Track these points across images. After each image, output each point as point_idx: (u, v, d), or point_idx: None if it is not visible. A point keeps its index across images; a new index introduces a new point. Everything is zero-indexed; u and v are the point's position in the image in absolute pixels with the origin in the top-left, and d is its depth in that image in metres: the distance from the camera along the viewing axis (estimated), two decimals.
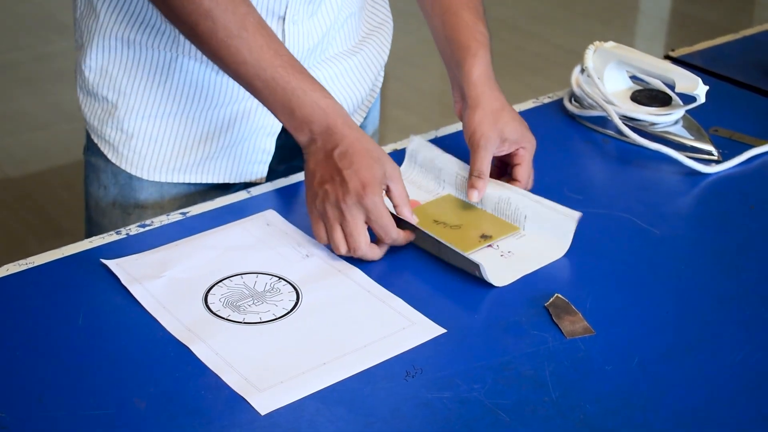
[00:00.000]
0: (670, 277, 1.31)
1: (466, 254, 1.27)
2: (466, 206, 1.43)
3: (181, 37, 1.42)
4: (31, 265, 1.30)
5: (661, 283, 1.30)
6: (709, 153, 1.56)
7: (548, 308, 1.23)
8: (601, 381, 1.13)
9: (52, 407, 1.08)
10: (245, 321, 1.20)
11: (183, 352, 1.15)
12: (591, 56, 1.64)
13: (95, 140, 1.54)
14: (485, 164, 1.40)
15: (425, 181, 1.48)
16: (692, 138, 1.57)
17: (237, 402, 1.09)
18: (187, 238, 1.34)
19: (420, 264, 1.29)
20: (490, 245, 1.34)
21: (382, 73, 1.68)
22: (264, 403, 1.09)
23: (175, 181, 1.53)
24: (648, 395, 1.11)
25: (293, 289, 1.25)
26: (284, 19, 1.45)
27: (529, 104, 1.72)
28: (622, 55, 1.62)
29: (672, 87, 1.60)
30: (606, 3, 5.04)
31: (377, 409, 1.09)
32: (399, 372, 1.14)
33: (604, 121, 1.62)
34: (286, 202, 1.43)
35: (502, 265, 1.30)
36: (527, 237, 1.36)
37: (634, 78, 1.67)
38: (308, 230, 1.35)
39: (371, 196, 1.26)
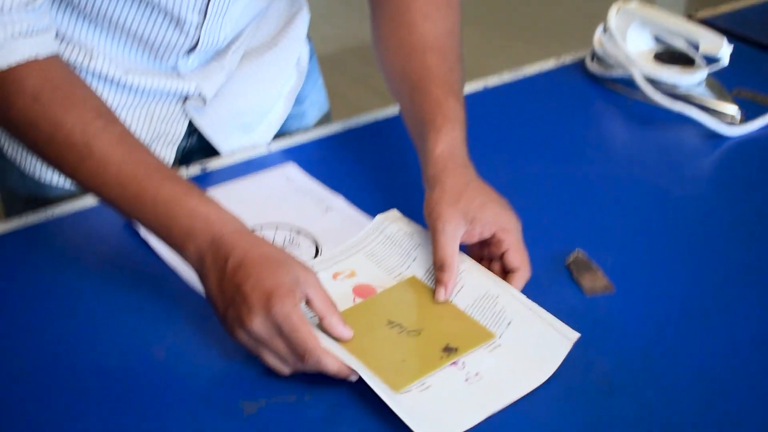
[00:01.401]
0: (691, 238, 1.30)
1: (396, 404, 1.00)
2: (433, 297, 1.14)
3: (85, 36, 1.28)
4: (51, 217, 1.30)
5: (681, 243, 1.29)
6: (732, 115, 1.54)
7: (569, 266, 1.22)
8: (620, 339, 1.12)
9: (71, 356, 1.09)
10: None
11: (201, 303, 1.15)
12: (614, 16, 1.63)
13: None
14: (448, 252, 1.13)
15: (388, 255, 1.20)
16: (715, 100, 1.56)
17: None
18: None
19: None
20: (455, 362, 1.07)
21: (306, 57, 1.54)
22: None
23: (72, 188, 1.39)
24: (667, 354, 1.11)
25: (313, 243, 1.25)
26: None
27: (550, 64, 1.71)
28: (645, 15, 1.61)
29: (696, 48, 1.58)
30: None
31: None
32: None
33: (626, 81, 1.61)
34: (306, 157, 1.43)
35: (464, 396, 1.03)
36: (502, 350, 1.08)
37: (656, 40, 1.66)
38: (329, 183, 1.35)
39: (280, 306, 1.01)
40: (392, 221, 1.24)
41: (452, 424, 1.00)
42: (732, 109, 1.54)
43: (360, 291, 1.16)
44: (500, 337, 1.09)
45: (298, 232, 1.27)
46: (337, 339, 1.06)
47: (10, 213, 1.43)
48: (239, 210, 1.29)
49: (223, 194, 1.33)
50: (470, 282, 1.15)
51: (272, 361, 1.04)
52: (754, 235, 1.31)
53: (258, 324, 1.01)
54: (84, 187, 1.13)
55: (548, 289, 1.19)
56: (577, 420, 1.02)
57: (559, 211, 1.34)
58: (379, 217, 1.24)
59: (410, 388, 1.03)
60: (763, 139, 1.52)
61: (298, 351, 1.02)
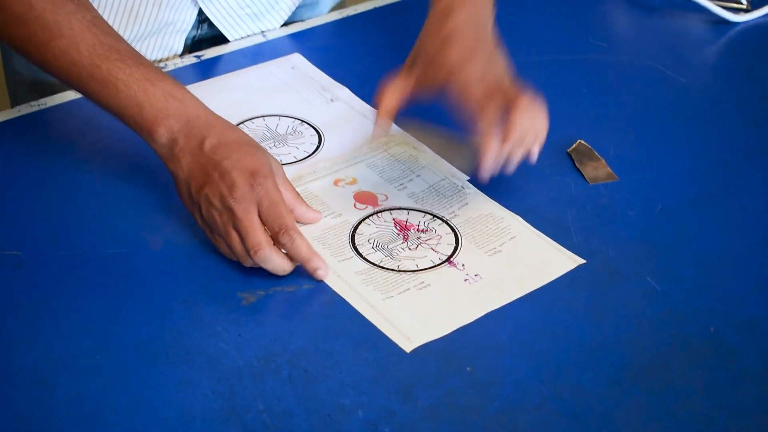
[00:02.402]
0: (695, 125, 1.29)
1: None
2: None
3: None
4: (43, 107, 1.28)
5: (685, 131, 1.28)
6: (738, 1, 1.51)
7: (571, 154, 1.20)
8: (623, 226, 1.11)
9: (67, 246, 1.08)
10: None
11: None
12: None
13: None
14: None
15: (390, 168, 1.20)
16: None
17: None
18: (208, 80, 1.32)
19: (436, 108, 1.20)
20: (454, 263, 1.07)
21: None
22: None
23: None
24: (671, 241, 1.10)
25: (315, 133, 1.23)
26: None
27: None
28: None
29: None
30: None
31: None
32: None
33: None
34: (305, 47, 1.40)
35: (464, 294, 1.04)
36: (503, 256, 1.08)
37: None
38: (334, 74, 1.32)
39: (263, 181, 1.02)
40: (397, 144, 1.22)
41: (450, 320, 1.00)
42: None
43: (361, 198, 1.15)
44: (502, 245, 1.09)
45: (302, 122, 1.25)
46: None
47: (14, 97, 1.42)
48: (243, 99, 1.28)
49: (226, 84, 1.31)
50: (474, 203, 1.14)
51: (236, 245, 1.03)
52: (759, 122, 1.30)
53: (239, 197, 1.02)
54: (52, 67, 1.10)
55: (549, 177, 1.17)
56: (577, 308, 1.02)
57: (559, 101, 1.30)
58: (384, 138, 1.22)
59: (409, 287, 1.04)
60: None
61: (276, 224, 1.02)
